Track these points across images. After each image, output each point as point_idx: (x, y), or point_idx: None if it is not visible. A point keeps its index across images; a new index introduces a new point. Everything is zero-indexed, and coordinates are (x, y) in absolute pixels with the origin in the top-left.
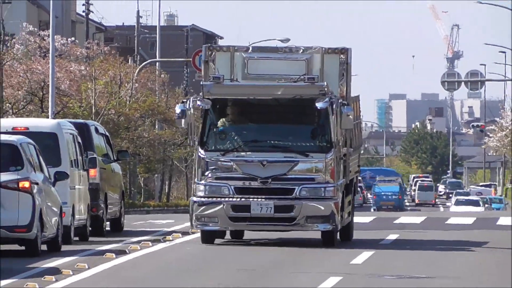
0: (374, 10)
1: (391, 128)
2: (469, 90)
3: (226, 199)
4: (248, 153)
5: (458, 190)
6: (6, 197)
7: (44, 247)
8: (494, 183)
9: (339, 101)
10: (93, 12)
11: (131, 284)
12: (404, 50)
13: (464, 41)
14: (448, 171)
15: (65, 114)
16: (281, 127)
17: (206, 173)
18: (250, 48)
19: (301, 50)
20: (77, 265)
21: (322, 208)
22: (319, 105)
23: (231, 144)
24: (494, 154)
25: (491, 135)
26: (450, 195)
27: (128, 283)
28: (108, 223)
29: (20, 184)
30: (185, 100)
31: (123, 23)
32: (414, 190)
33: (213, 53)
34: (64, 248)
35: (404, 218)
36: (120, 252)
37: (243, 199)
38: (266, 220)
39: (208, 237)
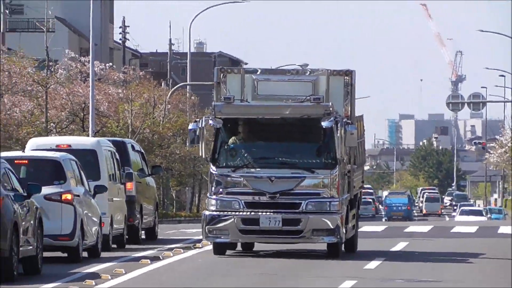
0: (385, 38)
1: (401, 145)
2: (472, 111)
3: (237, 213)
4: (257, 169)
5: (463, 202)
6: (50, 208)
7: (85, 254)
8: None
9: (344, 120)
10: (129, 40)
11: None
12: (412, 74)
13: (467, 65)
14: (453, 184)
15: (104, 133)
16: (288, 145)
17: (218, 188)
18: (259, 70)
19: (308, 72)
20: (115, 270)
21: (328, 221)
22: (324, 124)
23: (241, 161)
24: (495, 169)
25: (491, 151)
26: (455, 207)
27: (162, 286)
28: (143, 232)
29: (63, 197)
30: (198, 120)
31: (156, 50)
32: (422, 202)
33: (225, 75)
34: (103, 254)
35: (412, 227)
36: (154, 258)
37: (252, 213)
38: (275, 233)
39: (220, 249)
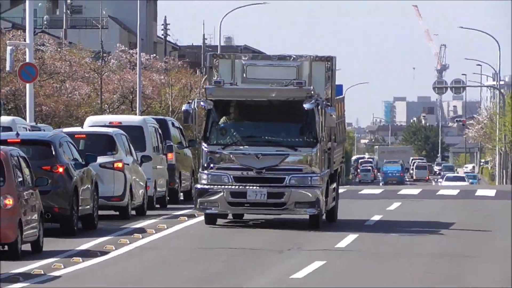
0: (384, 34)
1: (395, 123)
2: (454, 94)
3: (226, 186)
4: (245, 147)
5: (449, 169)
6: (104, 174)
7: (133, 212)
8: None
9: (324, 102)
10: (169, 35)
11: (200, 239)
12: (406, 63)
13: (449, 57)
14: (438, 155)
15: (148, 112)
16: (273, 125)
17: (209, 164)
18: (249, 56)
19: (292, 58)
20: (158, 226)
21: (309, 194)
22: (306, 106)
23: (230, 139)
24: (473, 142)
25: (470, 128)
26: (443, 174)
27: (197, 238)
28: (182, 194)
29: (115, 165)
30: (191, 101)
31: (192, 43)
32: (413, 169)
33: (217, 60)
34: (149, 213)
35: (405, 190)
36: (190, 216)
37: (240, 187)
38: (260, 205)
39: (211, 219)
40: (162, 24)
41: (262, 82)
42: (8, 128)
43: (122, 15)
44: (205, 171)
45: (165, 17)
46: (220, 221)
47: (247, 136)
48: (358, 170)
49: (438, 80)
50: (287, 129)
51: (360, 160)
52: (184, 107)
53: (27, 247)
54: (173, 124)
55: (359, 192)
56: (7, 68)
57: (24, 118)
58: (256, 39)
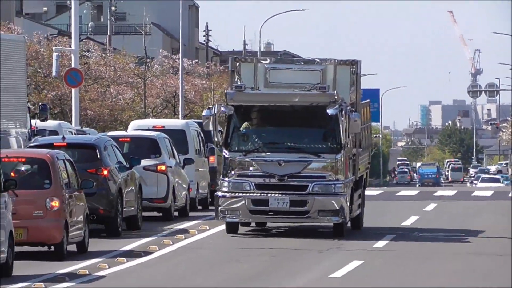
0: (420, 40)
1: (430, 126)
2: (488, 97)
3: (247, 194)
4: (267, 153)
5: (484, 172)
6: (148, 177)
7: (176, 214)
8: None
9: (348, 108)
10: (211, 41)
11: (241, 240)
12: (441, 68)
13: (483, 61)
14: (473, 157)
15: (191, 116)
16: (296, 131)
17: (230, 171)
18: (271, 59)
19: (316, 62)
20: (200, 227)
21: (333, 202)
22: (329, 111)
23: (252, 146)
24: (506, 144)
25: (503, 130)
26: (477, 176)
27: (238, 239)
28: None
29: (158, 167)
30: (211, 107)
31: (233, 49)
32: (448, 171)
33: (239, 64)
34: (191, 214)
35: (440, 192)
36: None
37: (262, 195)
38: (283, 214)
39: (232, 228)
40: (204, 30)
41: (285, 86)
42: (54, 132)
43: (165, 22)
44: (226, 178)
45: (207, 23)
46: (241, 229)
47: (269, 142)
48: (395, 172)
49: (473, 84)
50: (310, 135)
51: (397, 163)
52: (204, 113)
53: (72, 247)
54: None
55: (396, 194)
56: (53, 74)
57: (70, 122)
58: (296, 44)
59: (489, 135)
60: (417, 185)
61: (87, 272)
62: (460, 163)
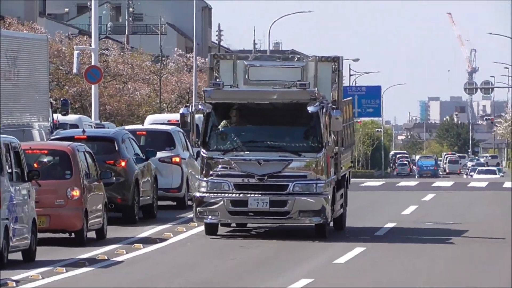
0: (420, 39)
1: (429, 120)
2: (483, 94)
3: (226, 194)
4: (246, 152)
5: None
6: (163, 168)
7: (189, 203)
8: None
9: (329, 105)
10: (223, 40)
11: (247, 230)
12: (439, 66)
13: (479, 60)
14: (469, 150)
15: None
16: (276, 129)
17: (208, 171)
18: (250, 56)
19: (297, 59)
20: None
21: (314, 202)
22: (310, 109)
23: (230, 144)
24: (501, 138)
25: (498, 125)
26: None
27: (246, 229)
28: None
29: (173, 159)
30: (188, 105)
31: (243, 48)
32: (445, 163)
33: (218, 61)
34: None
35: (438, 183)
36: None
37: (241, 195)
38: (262, 214)
39: (211, 229)
40: (216, 30)
41: (265, 84)
42: (75, 126)
43: (180, 22)
44: (204, 178)
45: (219, 24)
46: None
47: (248, 141)
48: (396, 164)
49: (469, 82)
50: (291, 133)
51: (397, 155)
52: (181, 111)
53: (92, 234)
54: None
55: (397, 185)
56: (74, 71)
57: (90, 117)
58: (303, 43)
59: (484, 130)
60: (416, 177)
61: (106, 258)
62: (457, 156)
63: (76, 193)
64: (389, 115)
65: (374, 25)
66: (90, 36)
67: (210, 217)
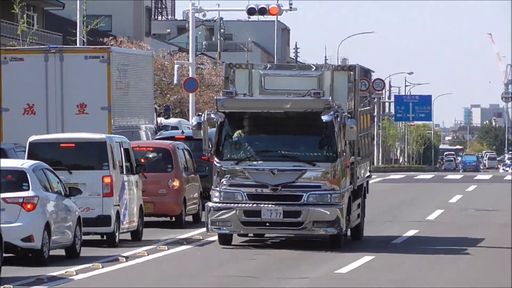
0: (466, 54)
1: (472, 124)
2: None
3: (239, 205)
4: (259, 162)
5: None
6: None
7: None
8: None
9: (344, 114)
10: (299, 57)
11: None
12: (480, 77)
13: None
14: (505, 149)
15: None
16: (290, 138)
17: (221, 181)
18: (267, 66)
19: (313, 68)
20: None
21: (328, 213)
22: (324, 118)
23: (244, 154)
24: None
25: None
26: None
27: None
28: None
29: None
30: (201, 114)
31: (316, 63)
32: (485, 160)
33: (233, 70)
34: None
35: (479, 176)
36: None
37: (254, 205)
38: (276, 225)
39: (225, 239)
40: (294, 48)
41: (281, 93)
42: (175, 128)
43: (263, 41)
44: (217, 188)
45: (296, 42)
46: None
47: (261, 151)
48: (444, 160)
49: (505, 92)
50: (305, 142)
51: (445, 153)
52: (193, 120)
53: (189, 218)
54: None
55: (445, 177)
56: (175, 81)
57: (188, 120)
58: (367, 59)
59: None
60: (461, 171)
61: (201, 238)
62: (495, 153)
63: (176, 183)
64: (438, 119)
65: (426, 43)
66: (188, 53)
67: (222, 227)
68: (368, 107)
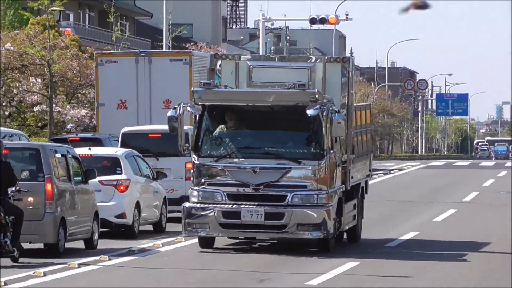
0: (500, 57)
1: (502, 118)
2: None
3: (218, 205)
4: (240, 159)
5: None
6: None
7: None
8: None
9: (331, 108)
10: (354, 57)
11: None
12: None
13: None
14: None
15: None
16: (273, 134)
17: (200, 179)
18: (255, 57)
19: (304, 59)
20: None
21: (314, 215)
22: (309, 112)
23: (224, 151)
24: None
25: None
26: None
27: None
28: None
29: None
30: (177, 106)
31: (369, 65)
32: None
33: (219, 61)
34: None
35: (509, 163)
36: None
37: (234, 206)
38: (257, 227)
39: (206, 242)
40: (349, 53)
41: (269, 86)
42: None
43: (323, 46)
44: (196, 187)
45: (351, 48)
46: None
47: (243, 147)
48: (478, 150)
49: None
50: (290, 139)
51: (480, 143)
52: (169, 113)
53: None
54: None
55: (479, 164)
56: None
57: None
58: (414, 63)
59: None
60: (493, 159)
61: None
62: None
63: None
64: (474, 114)
65: (464, 48)
66: None
67: (199, 230)
68: (368, 103)
